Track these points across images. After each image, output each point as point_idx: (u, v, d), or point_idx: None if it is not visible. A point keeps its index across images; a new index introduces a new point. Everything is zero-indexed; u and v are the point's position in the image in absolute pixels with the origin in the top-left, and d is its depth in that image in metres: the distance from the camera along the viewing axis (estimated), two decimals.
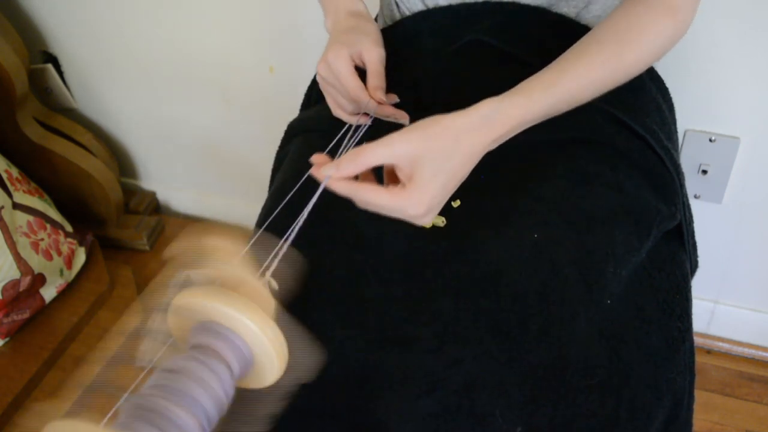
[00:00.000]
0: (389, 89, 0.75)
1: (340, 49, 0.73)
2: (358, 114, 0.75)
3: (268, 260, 0.55)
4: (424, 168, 0.58)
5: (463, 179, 0.61)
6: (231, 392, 0.47)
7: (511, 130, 0.63)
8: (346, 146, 0.70)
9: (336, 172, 0.58)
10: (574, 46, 0.67)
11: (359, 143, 0.68)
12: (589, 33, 0.68)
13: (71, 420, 0.42)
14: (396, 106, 0.75)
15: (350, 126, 0.74)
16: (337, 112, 0.77)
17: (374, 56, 0.73)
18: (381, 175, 0.63)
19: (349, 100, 0.74)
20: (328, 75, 0.74)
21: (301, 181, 0.68)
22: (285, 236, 0.59)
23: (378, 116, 0.74)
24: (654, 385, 0.64)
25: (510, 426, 0.57)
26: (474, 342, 0.59)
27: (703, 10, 1.02)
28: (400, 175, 0.59)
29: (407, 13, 0.85)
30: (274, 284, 0.54)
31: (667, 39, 0.69)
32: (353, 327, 0.61)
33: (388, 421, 0.56)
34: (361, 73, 0.74)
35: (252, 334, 0.47)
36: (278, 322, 0.49)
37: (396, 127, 0.62)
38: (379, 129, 0.69)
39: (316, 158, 0.60)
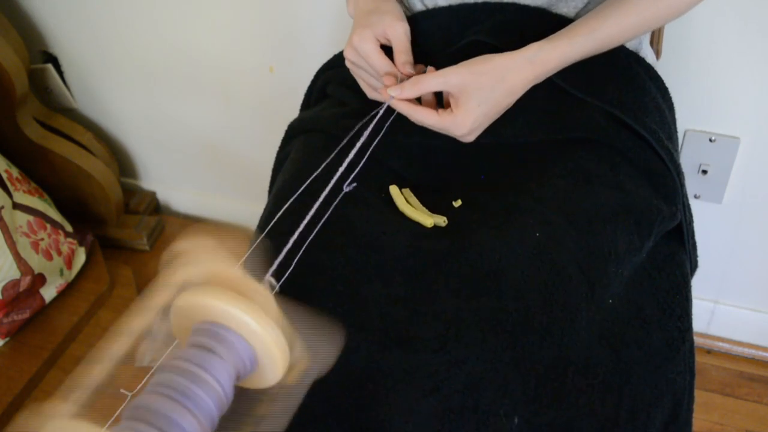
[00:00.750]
0: None
1: (364, 31, 0.75)
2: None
3: (276, 262, 0.55)
4: (471, 98, 0.69)
5: (506, 109, 0.72)
6: (231, 392, 0.47)
7: (552, 69, 0.72)
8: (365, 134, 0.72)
9: (399, 93, 0.71)
10: None
11: (376, 132, 0.73)
12: None
13: (71, 420, 0.42)
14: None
15: (375, 113, 0.75)
16: (372, 94, 0.79)
17: (399, 32, 0.75)
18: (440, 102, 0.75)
19: (380, 79, 0.75)
20: (356, 58, 0.76)
21: (307, 181, 0.68)
22: (291, 237, 0.58)
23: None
24: (654, 385, 0.64)
25: (513, 425, 0.58)
26: (476, 342, 0.59)
27: (703, 10, 1.03)
28: (451, 100, 0.71)
29: (408, 13, 0.85)
30: (274, 284, 0.54)
31: None
32: (355, 327, 0.61)
33: (391, 422, 0.56)
34: (389, 51, 0.75)
35: (252, 333, 0.47)
36: (290, 318, 0.49)
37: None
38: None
39: (387, 79, 0.73)
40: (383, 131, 0.75)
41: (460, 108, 0.69)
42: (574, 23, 0.73)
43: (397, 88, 0.71)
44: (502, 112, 0.72)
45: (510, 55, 0.70)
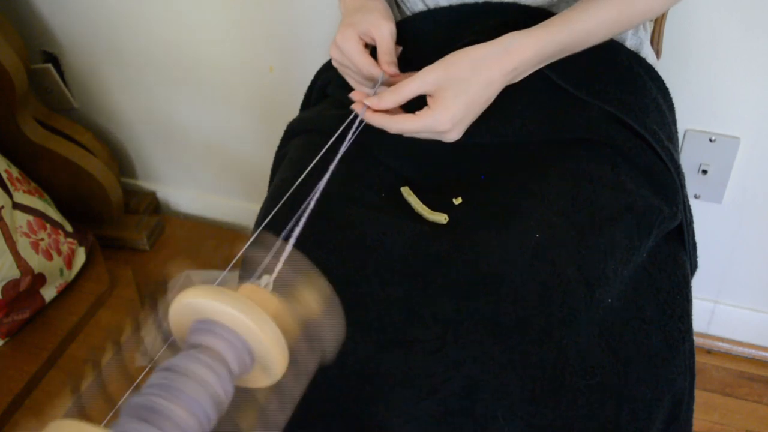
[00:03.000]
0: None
1: (347, 30, 0.74)
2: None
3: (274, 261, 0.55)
4: (447, 90, 0.67)
5: (489, 102, 0.70)
6: (230, 390, 0.47)
7: (528, 60, 0.69)
8: (349, 140, 0.70)
9: (377, 103, 0.69)
10: None
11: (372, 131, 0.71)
12: None
13: (71, 420, 0.42)
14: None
15: (351, 120, 0.74)
16: (364, 90, 0.78)
17: (383, 32, 0.74)
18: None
19: (364, 78, 0.75)
20: (340, 57, 0.76)
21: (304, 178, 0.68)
22: (284, 235, 0.58)
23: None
24: (654, 386, 0.64)
25: (511, 427, 0.57)
26: (475, 343, 0.59)
27: (703, 10, 1.03)
28: (429, 100, 0.69)
29: (408, 13, 0.85)
30: (269, 281, 0.54)
31: None
32: (354, 329, 0.61)
33: (390, 424, 0.56)
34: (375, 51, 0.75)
35: (250, 332, 0.47)
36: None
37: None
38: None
39: (356, 95, 0.72)
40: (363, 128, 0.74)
41: (438, 103, 0.68)
42: (552, 17, 0.72)
43: (375, 98, 0.69)
44: (485, 105, 0.70)
45: (484, 46, 0.69)
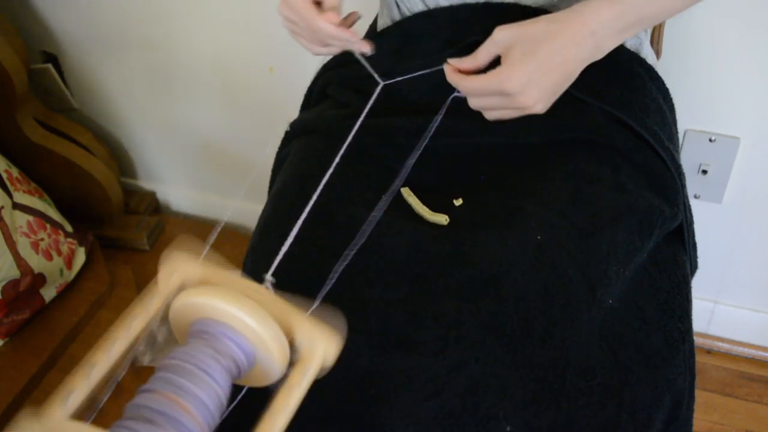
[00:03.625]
0: (391, 88, 0.75)
1: None
2: (334, 47, 0.74)
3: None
4: (515, 49, 0.64)
5: (569, 73, 0.66)
6: (228, 389, 0.47)
7: (607, 24, 0.65)
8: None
9: (458, 63, 0.68)
10: None
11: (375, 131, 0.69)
12: None
13: (70, 421, 0.42)
14: (400, 105, 0.75)
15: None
16: (314, 49, 0.76)
17: None
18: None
19: (314, 36, 0.73)
20: (289, 13, 0.74)
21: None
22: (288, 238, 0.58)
23: (341, 43, 0.73)
24: (654, 386, 0.64)
25: (513, 428, 0.57)
26: (477, 344, 0.59)
27: (703, 10, 1.03)
28: (502, 60, 0.65)
29: (408, 13, 0.85)
30: (271, 282, 0.54)
31: None
32: (356, 330, 0.61)
33: (392, 425, 0.56)
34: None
35: (250, 330, 0.47)
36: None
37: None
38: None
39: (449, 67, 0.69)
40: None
41: (506, 61, 0.64)
42: None
43: (455, 61, 0.68)
44: (563, 75, 0.66)
45: (560, 12, 0.66)
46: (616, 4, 0.65)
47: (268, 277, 0.54)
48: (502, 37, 0.65)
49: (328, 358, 0.49)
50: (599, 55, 0.67)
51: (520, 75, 0.63)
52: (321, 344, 0.48)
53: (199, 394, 0.44)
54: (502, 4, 0.79)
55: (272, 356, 0.48)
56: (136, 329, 0.48)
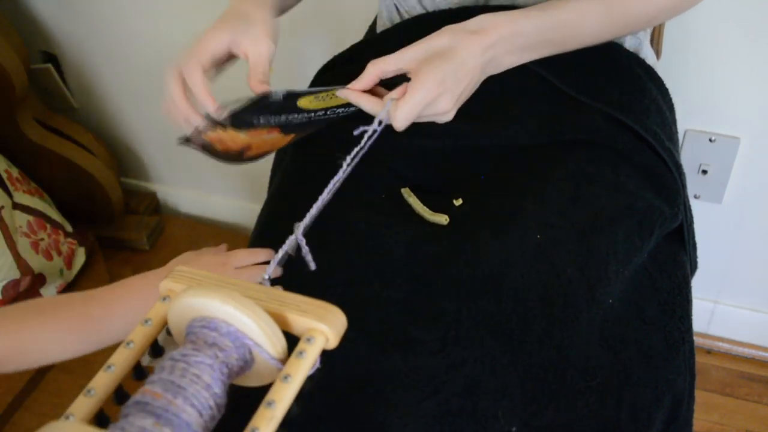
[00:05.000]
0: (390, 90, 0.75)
1: (192, 61, 0.71)
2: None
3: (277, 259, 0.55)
4: (428, 62, 0.65)
5: (474, 81, 0.68)
6: (226, 387, 0.46)
7: (506, 39, 0.68)
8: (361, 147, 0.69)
9: (356, 84, 0.68)
10: None
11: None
12: None
13: (70, 421, 0.42)
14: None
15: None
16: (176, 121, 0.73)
17: (261, 50, 0.69)
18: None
19: (184, 115, 0.72)
20: (175, 85, 0.73)
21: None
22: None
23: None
24: (654, 386, 0.64)
25: (511, 427, 0.58)
26: (476, 344, 0.59)
27: (703, 10, 1.03)
28: (412, 77, 0.66)
29: (406, 15, 0.85)
30: (268, 281, 0.54)
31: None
32: (355, 330, 0.61)
33: (391, 424, 0.56)
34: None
35: (245, 325, 0.47)
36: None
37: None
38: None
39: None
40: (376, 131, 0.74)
41: (421, 71, 0.65)
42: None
43: (356, 81, 0.68)
44: (471, 82, 0.68)
45: (461, 23, 0.68)
46: (517, 23, 0.68)
47: (265, 275, 0.54)
48: (412, 53, 0.66)
49: (329, 345, 0.49)
50: (497, 69, 0.70)
51: (430, 84, 0.64)
52: (319, 337, 0.48)
53: (195, 393, 0.44)
54: (500, 6, 0.79)
55: (269, 351, 0.48)
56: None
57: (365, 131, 0.65)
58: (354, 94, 0.68)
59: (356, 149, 0.62)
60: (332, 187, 0.59)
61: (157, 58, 1.47)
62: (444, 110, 0.67)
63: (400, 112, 0.65)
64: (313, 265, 0.56)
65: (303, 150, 0.80)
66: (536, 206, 0.68)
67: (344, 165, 0.61)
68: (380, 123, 0.66)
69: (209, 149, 0.74)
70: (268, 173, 0.91)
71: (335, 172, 0.73)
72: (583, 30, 0.71)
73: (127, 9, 1.41)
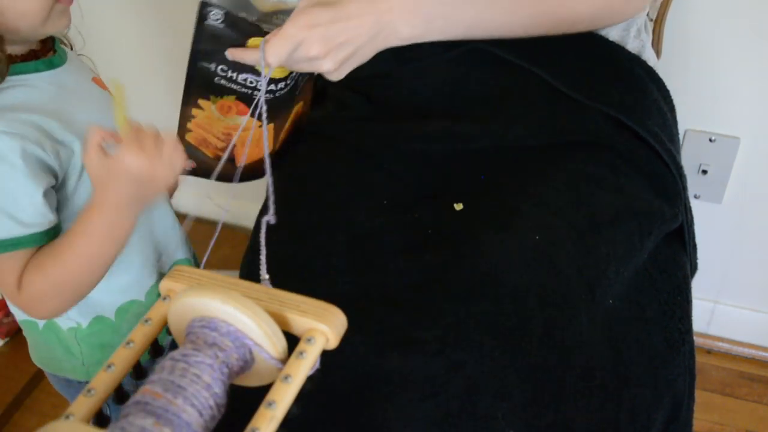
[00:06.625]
0: (388, 94, 0.75)
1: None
2: None
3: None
4: (307, 5, 0.64)
5: (357, 33, 0.66)
6: (226, 387, 0.46)
7: (401, 6, 0.66)
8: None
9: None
10: None
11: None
12: None
13: (70, 422, 0.42)
14: (397, 113, 0.74)
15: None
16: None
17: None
18: None
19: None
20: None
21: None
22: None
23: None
24: (654, 387, 0.64)
25: (511, 428, 0.58)
26: (475, 345, 0.59)
27: (703, 10, 1.03)
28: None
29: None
30: (267, 280, 0.54)
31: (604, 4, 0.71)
32: (354, 332, 0.61)
33: (390, 426, 0.56)
34: None
35: (245, 325, 0.47)
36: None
37: None
38: None
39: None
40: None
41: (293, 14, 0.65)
42: None
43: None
44: (358, 39, 0.66)
45: None
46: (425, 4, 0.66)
47: (265, 275, 0.54)
48: (304, 3, 0.65)
49: (329, 345, 0.49)
50: (396, 40, 0.68)
51: (312, 20, 0.64)
52: (319, 338, 0.48)
53: (195, 393, 0.44)
54: None
55: (269, 351, 0.48)
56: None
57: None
58: (237, 51, 0.68)
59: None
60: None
61: (157, 58, 1.47)
62: (315, 55, 0.65)
63: (269, 47, 0.64)
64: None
65: (305, 151, 0.81)
66: (535, 207, 0.68)
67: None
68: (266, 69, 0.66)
69: (201, 160, 0.74)
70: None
71: (330, 171, 0.73)
72: (501, 17, 0.70)
73: (127, 9, 1.41)
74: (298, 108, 0.80)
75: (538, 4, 0.70)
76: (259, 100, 0.67)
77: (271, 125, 0.75)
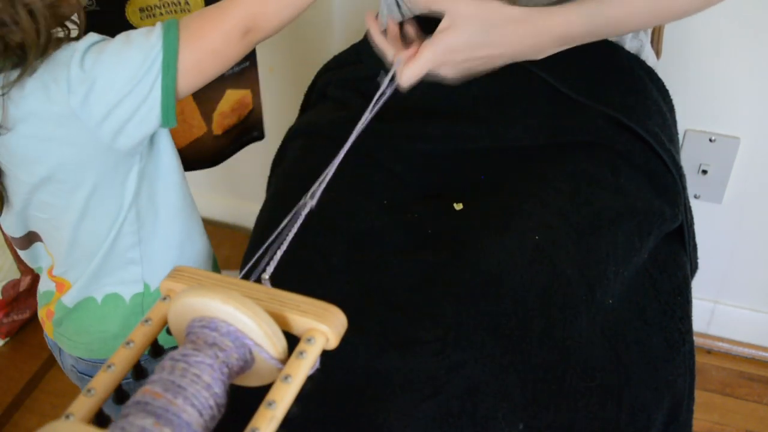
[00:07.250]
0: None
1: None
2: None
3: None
4: (458, 17, 0.65)
5: (491, 58, 0.67)
6: (226, 387, 0.46)
7: (552, 28, 0.67)
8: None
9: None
10: None
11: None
12: None
13: (70, 422, 0.42)
14: (397, 112, 0.74)
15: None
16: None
17: None
18: None
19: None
20: None
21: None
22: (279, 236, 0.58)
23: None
24: (654, 387, 0.64)
25: (511, 428, 0.58)
26: (476, 345, 0.59)
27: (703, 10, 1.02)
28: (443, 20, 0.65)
29: (408, 14, 0.85)
30: (267, 281, 0.54)
31: None
32: (355, 332, 0.61)
33: (391, 426, 0.56)
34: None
35: (244, 325, 0.47)
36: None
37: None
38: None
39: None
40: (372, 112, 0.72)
41: (446, 27, 0.65)
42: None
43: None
44: (490, 58, 0.67)
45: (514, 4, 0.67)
46: (570, 24, 0.67)
47: (265, 275, 0.54)
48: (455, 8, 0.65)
49: (329, 345, 0.49)
50: (536, 57, 0.69)
51: (448, 44, 0.64)
52: (319, 338, 0.48)
53: (195, 393, 0.44)
54: None
55: (269, 351, 0.48)
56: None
57: (383, 80, 0.66)
58: (377, 34, 0.69)
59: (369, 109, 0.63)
60: (348, 144, 0.59)
61: None
62: (444, 77, 0.67)
63: (406, 70, 0.65)
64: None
65: (304, 152, 0.81)
66: (535, 207, 0.68)
67: (365, 115, 0.62)
68: (392, 79, 0.66)
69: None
70: (267, 173, 0.91)
71: (337, 177, 0.73)
72: (627, 27, 0.72)
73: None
74: (239, 96, 0.79)
75: (663, 8, 0.71)
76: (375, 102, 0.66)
77: (194, 105, 0.75)
